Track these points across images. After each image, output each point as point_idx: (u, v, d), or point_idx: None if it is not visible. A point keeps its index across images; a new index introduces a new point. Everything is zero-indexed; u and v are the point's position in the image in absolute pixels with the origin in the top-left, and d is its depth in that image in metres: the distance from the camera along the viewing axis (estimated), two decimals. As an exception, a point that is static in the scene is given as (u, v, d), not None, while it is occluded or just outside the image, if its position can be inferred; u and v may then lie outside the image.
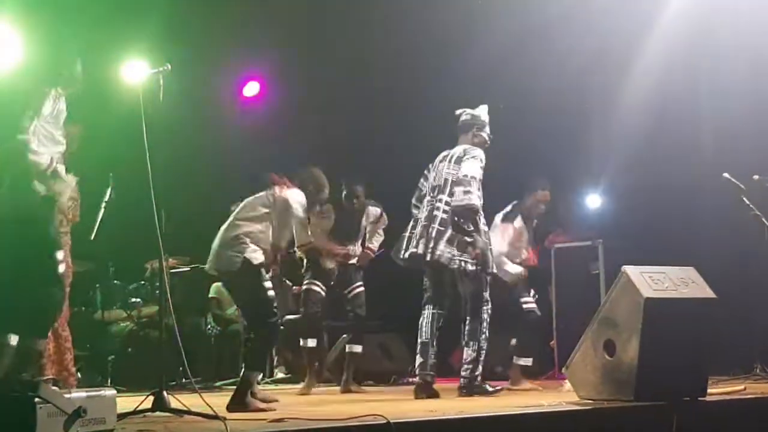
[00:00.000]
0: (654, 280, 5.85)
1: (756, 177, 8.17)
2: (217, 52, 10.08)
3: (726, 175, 8.23)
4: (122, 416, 4.80)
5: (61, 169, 5.43)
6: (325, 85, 10.81)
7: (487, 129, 7.57)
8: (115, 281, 9.51)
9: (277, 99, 11.39)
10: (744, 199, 8.18)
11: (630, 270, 5.91)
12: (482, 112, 7.62)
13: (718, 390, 6.40)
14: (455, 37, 10.23)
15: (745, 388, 6.74)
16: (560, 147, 10.53)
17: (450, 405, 6.20)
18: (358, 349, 8.44)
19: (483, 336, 7.10)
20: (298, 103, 11.12)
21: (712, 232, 9.35)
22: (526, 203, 8.60)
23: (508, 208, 8.64)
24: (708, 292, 6.01)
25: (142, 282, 9.56)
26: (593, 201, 11.79)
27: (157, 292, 8.88)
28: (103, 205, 8.25)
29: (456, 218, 7.13)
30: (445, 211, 7.16)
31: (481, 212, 7.19)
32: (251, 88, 11.27)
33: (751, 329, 8.72)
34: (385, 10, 10.07)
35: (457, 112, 7.60)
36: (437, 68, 10.68)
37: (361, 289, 8.39)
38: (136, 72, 5.91)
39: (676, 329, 5.79)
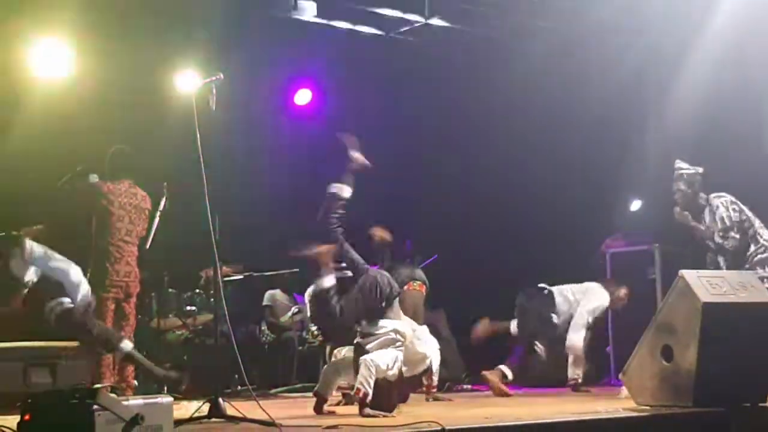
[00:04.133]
0: (712, 285, 5.77)
1: None
2: (269, 60, 10.12)
3: None
4: (179, 423, 4.83)
5: None
6: (377, 94, 10.82)
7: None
8: (170, 289, 9.58)
9: (328, 107, 11.40)
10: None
11: (687, 274, 5.83)
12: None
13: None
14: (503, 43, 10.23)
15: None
16: (614, 149, 10.44)
17: (507, 412, 6.16)
18: None
19: None
20: (350, 111, 11.13)
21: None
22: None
23: None
24: (767, 297, 5.91)
25: (197, 290, 9.62)
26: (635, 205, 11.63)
27: (212, 300, 8.94)
28: (158, 214, 8.34)
29: None
30: None
31: None
32: (303, 96, 11.29)
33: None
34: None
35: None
36: (484, 69, 10.66)
37: None
38: (189, 81, 5.96)
39: (735, 334, 5.70)
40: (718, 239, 7.69)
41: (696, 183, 7.83)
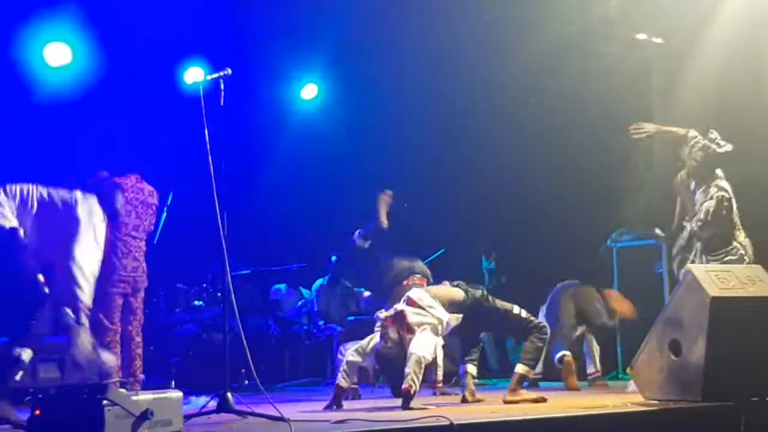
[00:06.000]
0: (720, 279, 5.75)
1: None
2: (277, 55, 10.12)
3: None
4: (188, 418, 4.85)
5: None
6: (383, 87, 10.82)
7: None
8: (178, 284, 9.60)
9: (334, 102, 11.41)
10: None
11: (695, 269, 5.83)
12: None
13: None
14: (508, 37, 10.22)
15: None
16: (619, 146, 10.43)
17: (514, 407, 6.16)
18: None
19: None
20: (355, 105, 11.14)
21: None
22: None
23: None
24: (775, 291, 5.89)
25: (204, 285, 9.64)
26: None
27: (219, 294, 8.95)
28: (165, 208, 8.34)
29: None
30: None
31: None
32: (309, 91, 11.30)
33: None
34: (433, 10, 10.05)
35: None
36: (489, 68, 10.65)
37: None
38: (197, 77, 5.96)
39: (744, 328, 5.68)
40: (694, 225, 7.50)
41: (716, 159, 7.52)
